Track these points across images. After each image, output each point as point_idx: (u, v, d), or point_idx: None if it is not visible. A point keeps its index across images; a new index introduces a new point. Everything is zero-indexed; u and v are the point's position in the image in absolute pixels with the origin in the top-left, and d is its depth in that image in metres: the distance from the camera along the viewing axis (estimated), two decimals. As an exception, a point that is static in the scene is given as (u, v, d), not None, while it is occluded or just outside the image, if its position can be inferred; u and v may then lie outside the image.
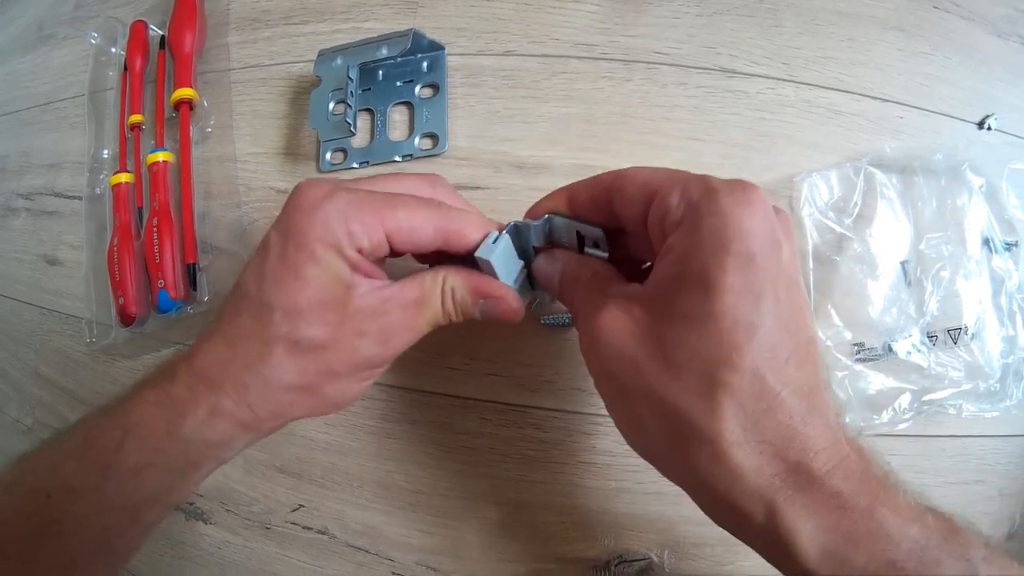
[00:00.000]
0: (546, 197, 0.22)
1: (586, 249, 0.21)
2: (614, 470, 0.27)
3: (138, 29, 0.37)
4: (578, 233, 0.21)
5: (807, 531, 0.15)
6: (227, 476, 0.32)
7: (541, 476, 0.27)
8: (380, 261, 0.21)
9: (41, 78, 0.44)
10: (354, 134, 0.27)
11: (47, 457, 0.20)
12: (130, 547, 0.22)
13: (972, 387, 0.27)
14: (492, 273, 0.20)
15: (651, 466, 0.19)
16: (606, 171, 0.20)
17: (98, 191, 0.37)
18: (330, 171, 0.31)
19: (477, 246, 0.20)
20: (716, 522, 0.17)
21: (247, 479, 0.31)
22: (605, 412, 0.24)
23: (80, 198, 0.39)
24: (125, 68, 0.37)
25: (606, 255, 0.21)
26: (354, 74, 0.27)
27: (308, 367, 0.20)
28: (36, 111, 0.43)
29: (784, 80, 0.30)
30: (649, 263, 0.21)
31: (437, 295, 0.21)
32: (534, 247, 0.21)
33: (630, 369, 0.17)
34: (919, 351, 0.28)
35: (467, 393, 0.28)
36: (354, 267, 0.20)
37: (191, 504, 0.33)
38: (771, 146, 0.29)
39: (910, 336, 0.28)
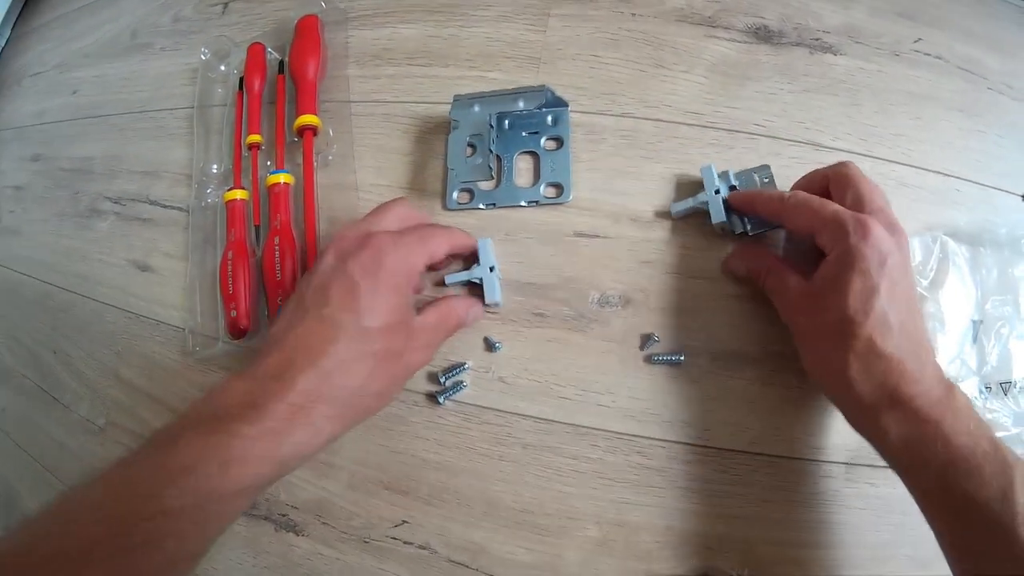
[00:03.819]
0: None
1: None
2: (708, 496, 0.30)
3: (256, 51, 0.39)
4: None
5: (893, 430, 0.24)
6: (328, 491, 0.33)
7: (642, 499, 0.30)
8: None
9: (136, 85, 0.45)
10: (494, 179, 0.30)
11: (142, 482, 0.22)
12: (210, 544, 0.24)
13: (1018, 432, 0.32)
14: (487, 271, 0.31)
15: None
16: (784, 193, 0.28)
17: (203, 204, 0.38)
18: (456, 209, 0.33)
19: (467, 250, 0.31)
20: (848, 421, 0.26)
21: (349, 494, 0.33)
22: (705, 443, 0.28)
23: (179, 208, 0.40)
24: (241, 87, 0.38)
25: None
26: (494, 122, 0.30)
27: (389, 372, 0.26)
28: (129, 117, 0.44)
29: (862, 155, 0.34)
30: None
31: (448, 316, 0.29)
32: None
33: (805, 316, 0.27)
34: (975, 400, 0.32)
35: (579, 421, 0.30)
36: (416, 290, 0.27)
37: (283, 516, 0.34)
38: (851, 214, 0.33)
39: (969, 386, 0.32)
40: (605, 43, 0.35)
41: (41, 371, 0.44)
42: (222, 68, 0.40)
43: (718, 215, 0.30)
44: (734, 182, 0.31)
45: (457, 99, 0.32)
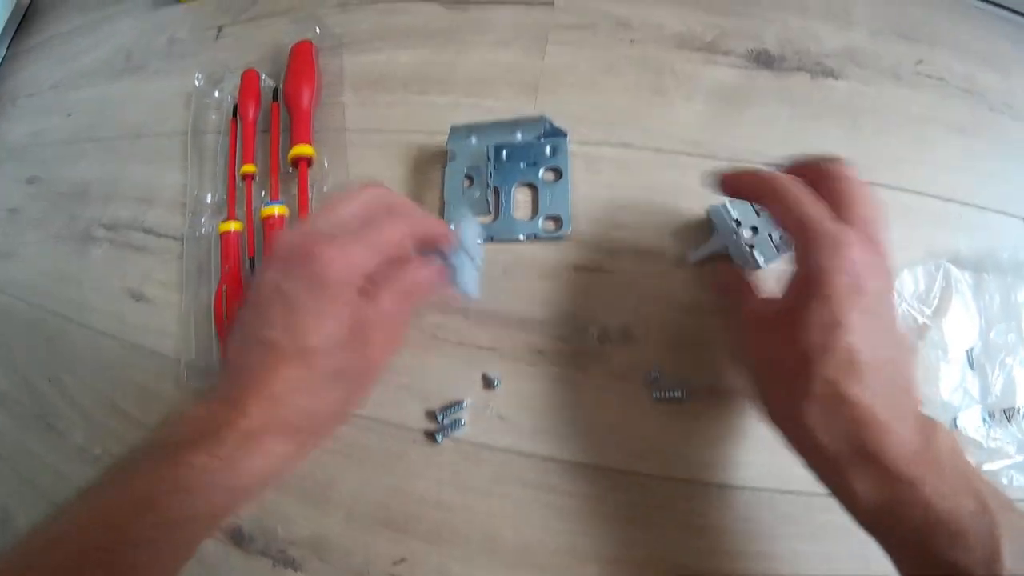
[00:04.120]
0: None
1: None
2: (710, 532, 0.29)
3: (250, 78, 0.38)
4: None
5: (862, 489, 0.20)
6: (326, 527, 0.33)
7: (642, 536, 0.29)
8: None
9: (131, 108, 0.45)
10: (491, 212, 0.29)
11: (105, 515, 0.21)
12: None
13: (1023, 460, 0.31)
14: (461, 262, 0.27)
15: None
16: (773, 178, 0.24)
17: (197, 235, 0.38)
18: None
19: (440, 240, 0.27)
20: (814, 475, 0.23)
21: (348, 531, 0.32)
22: (705, 479, 0.27)
23: (173, 237, 0.40)
24: (235, 115, 0.38)
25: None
26: (491, 155, 0.29)
27: (346, 388, 0.24)
28: (124, 141, 0.44)
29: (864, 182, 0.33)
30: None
31: (407, 298, 0.26)
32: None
33: (757, 347, 0.24)
34: (978, 428, 0.32)
35: (579, 459, 0.30)
36: (362, 293, 0.24)
37: (281, 552, 0.34)
38: (854, 242, 0.32)
39: (972, 415, 0.32)
40: (604, 69, 0.35)
41: (36, 397, 0.44)
42: (216, 94, 0.40)
43: (741, 257, 0.29)
44: (735, 215, 0.31)
45: (454, 130, 0.32)
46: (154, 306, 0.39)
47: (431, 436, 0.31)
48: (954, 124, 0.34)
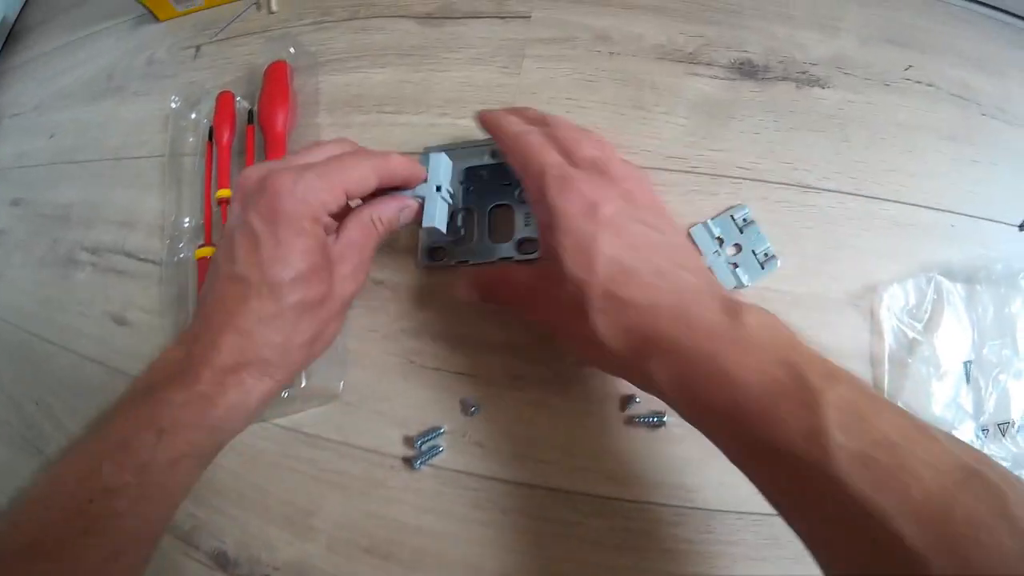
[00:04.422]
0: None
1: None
2: (693, 556, 0.29)
3: (225, 100, 0.38)
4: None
5: (659, 372, 0.21)
6: (308, 553, 0.32)
7: (626, 562, 0.29)
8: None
9: (111, 130, 0.44)
10: (463, 236, 0.29)
11: (81, 464, 0.22)
12: (166, 525, 0.24)
13: (1019, 476, 0.30)
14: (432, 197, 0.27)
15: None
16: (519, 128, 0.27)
17: (176, 259, 0.37)
18: (427, 265, 0.33)
19: (408, 176, 0.27)
20: (615, 375, 0.25)
21: (330, 556, 0.32)
22: (689, 504, 0.27)
23: (154, 262, 0.39)
24: (210, 138, 0.37)
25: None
26: (464, 177, 0.29)
27: (315, 321, 0.25)
28: (106, 164, 0.44)
29: (851, 194, 0.32)
30: None
31: (371, 225, 0.27)
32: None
33: (544, 305, 0.25)
34: (971, 443, 0.31)
35: (559, 485, 0.30)
36: (327, 229, 0.25)
37: None
38: (841, 256, 0.31)
39: (966, 430, 0.31)
40: (582, 85, 0.34)
41: (24, 420, 0.44)
42: (193, 116, 0.40)
43: (725, 280, 0.29)
44: (716, 232, 0.30)
45: (427, 150, 0.31)
46: (137, 331, 0.39)
47: (409, 463, 0.31)
48: (945, 131, 0.33)
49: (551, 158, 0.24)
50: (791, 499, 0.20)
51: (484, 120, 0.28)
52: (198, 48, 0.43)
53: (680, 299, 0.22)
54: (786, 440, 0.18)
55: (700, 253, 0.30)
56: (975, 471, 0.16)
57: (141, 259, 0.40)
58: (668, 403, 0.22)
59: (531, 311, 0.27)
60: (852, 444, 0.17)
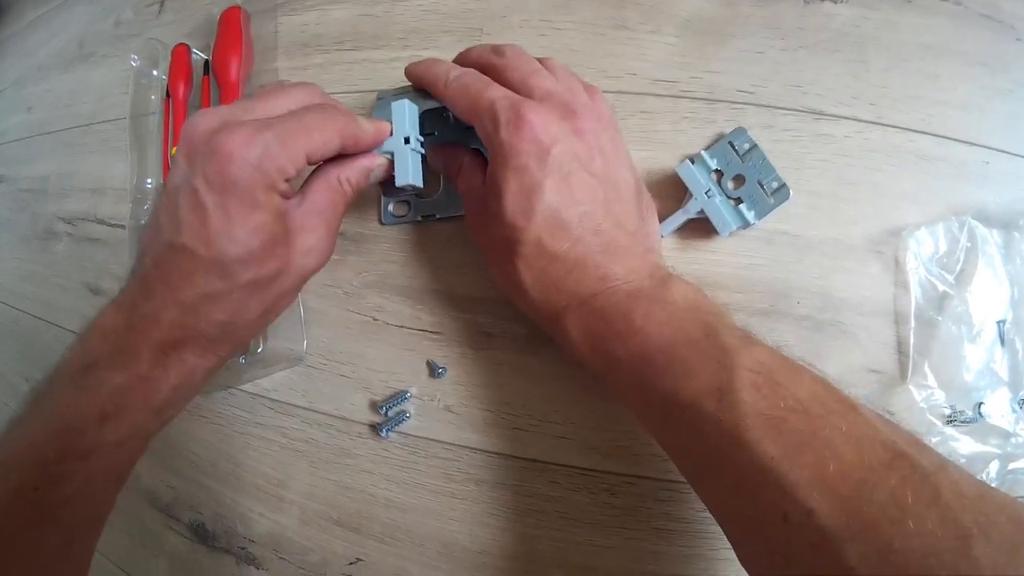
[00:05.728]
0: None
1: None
2: (687, 536, 0.26)
3: (180, 53, 0.35)
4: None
5: (574, 325, 0.22)
6: (281, 525, 0.31)
7: (612, 541, 0.26)
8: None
9: (81, 98, 0.43)
10: (423, 188, 0.26)
11: (26, 452, 0.21)
12: (115, 502, 0.24)
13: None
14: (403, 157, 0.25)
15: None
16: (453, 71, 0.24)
17: (141, 223, 0.36)
18: (393, 223, 0.30)
19: (373, 142, 0.24)
20: (533, 320, 0.24)
21: (303, 529, 0.31)
22: (680, 479, 0.23)
23: (123, 227, 0.38)
24: (168, 94, 0.35)
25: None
26: (420, 123, 0.26)
27: (267, 297, 0.23)
28: (77, 132, 0.43)
29: (871, 123, 0.28)
30: None
31: (339, 189, 0.24)
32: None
33: (480, 229, 0.25)
34: (1004, 416, 0.26)
35: (536, 455, 0.27)
36: (284, 196, 0.22)
37: (243, 549, 0.32)
38: (858, 195, 0.27)
39: (1000, 400, 0.26)
40: (556, 5, 0.30)
41: (15, 397, 0.44)
42: (154, 73, 0.37)
43: (721, 222, 0.25)
44: (714, 164, 0.26)
45: (381, 97, 0.28)
46: (110, 299, 0.38)
47: (376, 429, 0.28)
48: (975, 57, 0.28)
49: (497, 91, 0.22)
50: (700, 464, 0.19)
51: (411, 74, 0.26)
52: (162, 4, 0.41)
53: (608, 260, 0.21)
54: (695, 395, 0.18)
55: (687, 193, 0.26)
56: (902, 453, 0.15)
57: (112, 225, 0.39)
58: (579, 359, 0.22)
59: (470, 225, 0.25)
60: (763, 406, 0.16)
